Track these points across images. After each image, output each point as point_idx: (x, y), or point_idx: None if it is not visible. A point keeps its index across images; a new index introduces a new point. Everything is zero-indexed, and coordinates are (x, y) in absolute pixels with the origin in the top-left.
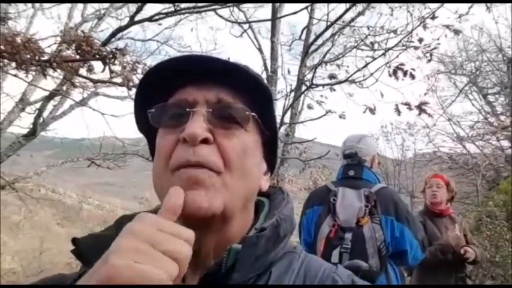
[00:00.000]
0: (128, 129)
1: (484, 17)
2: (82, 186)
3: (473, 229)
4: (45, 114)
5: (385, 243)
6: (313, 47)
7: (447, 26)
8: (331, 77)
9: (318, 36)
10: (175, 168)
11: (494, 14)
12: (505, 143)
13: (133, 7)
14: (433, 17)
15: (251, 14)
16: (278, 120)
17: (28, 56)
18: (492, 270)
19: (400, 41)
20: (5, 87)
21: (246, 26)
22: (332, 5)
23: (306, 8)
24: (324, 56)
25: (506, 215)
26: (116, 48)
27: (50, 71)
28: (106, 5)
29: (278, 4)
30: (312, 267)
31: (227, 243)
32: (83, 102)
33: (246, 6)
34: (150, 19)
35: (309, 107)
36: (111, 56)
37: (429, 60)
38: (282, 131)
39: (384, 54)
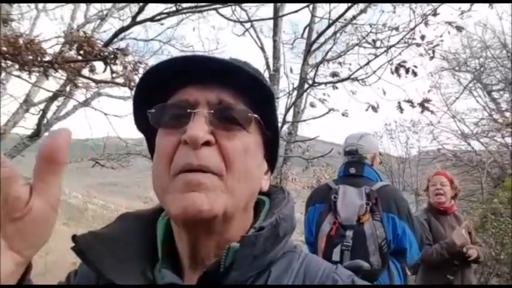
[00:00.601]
0: (131, 129)
1: (488, 13)
2: (87, 187)
3: (478, 227)
4: (49, 115)
5: (387, 241)
6: (315, 45)
7: (450, 23)
8: (334, 75)
9: (320, 35)
10: (177, 171)
11: (498, 10)
12: (510, 140)
13: (135, 7)
14: (435, 14)
15: (253, 13)
16: (280, 118)
17: (30, 57)
18: (497, 268)
19: (402, 38)
20: (10, 89)
21: (248, 25)
22: (334, 3)
23: (308, 6)
24: (326, 54)
25: None
26: (117, 48)
27: (52, 72)
28: (108, 5)
29: (280, 3)
30: (311, 267)
31: (227, 243)
32: (86, 103)
33: (247, 5)
34: (152, 19)
35: (312, 105)
36: (112, 56)
37: (432, 58)
38: (284, 129)
39: (386, 51)
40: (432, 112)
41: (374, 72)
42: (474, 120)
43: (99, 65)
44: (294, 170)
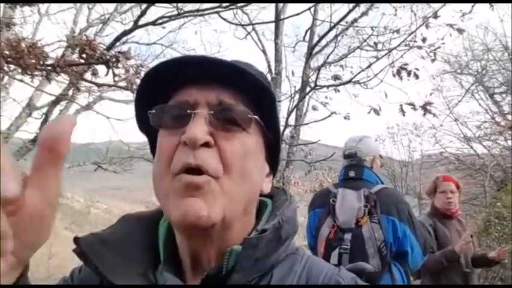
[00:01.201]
0: (133, 133)
1: (489, 15)
2: (90, 191)
3: (481, 231)
4: (52, 119)
5: (386, 243)
6: (316, 48)
7: (451, 25)
8: (335, 78)
9: (321, 38)
10: (176, 171)
11: (500, 12)
12: None
13: (137, 11)
14: (436, 16)
15: (255, 16)
16: (283, 122)
17: (32, 61)
18: (501, 272)
19: (403, 41)
20: (12, 93)
21: (249, 28)
22: (335, 6)
23: (309, 9)
24: (328, 57)
25: None
26: (119, 52)
27: (55, 76)
28: (111, 9)
29: (281, 6)
30: (314, 270)
31: (228, 247)
32: (88, 107)
33: (249, 8)
34: (154, 23)
35: (314, 108)
36: (114, 59)
37: (433, 60)
38: (286, 133)
39: (387, 54)
40: (434, 115)
41: (376, 75)
42: (476, 123)
43: (101, 69)
44: (296, 174)
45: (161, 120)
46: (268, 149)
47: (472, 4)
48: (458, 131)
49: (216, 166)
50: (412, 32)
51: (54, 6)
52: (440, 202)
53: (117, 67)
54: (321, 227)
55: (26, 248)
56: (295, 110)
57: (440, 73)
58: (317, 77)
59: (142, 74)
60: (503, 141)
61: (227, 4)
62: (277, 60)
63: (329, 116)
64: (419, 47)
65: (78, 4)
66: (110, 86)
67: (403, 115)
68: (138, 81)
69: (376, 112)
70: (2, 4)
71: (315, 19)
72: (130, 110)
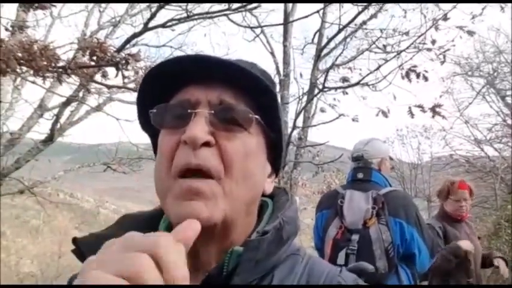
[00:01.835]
0: (142, 134)
1: (501, 17)
2: (99, 191)
3: (491, 234)
4: (63, 120)
5: (393, 245)
6: (325, 51)
7: (461, 27)
8: (344, 80)
9: (330, 40)
10: (177, 172)
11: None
12: None
13: (147, 14)
14: (445, 18)
15: (263, 19)
16: (291, 124)
17: (44, 63)
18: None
19: (412, 43)
20: (24, 94)
21: (258, 31)
22: (344, 8)
23: (318, 11)
24: (336, 59)
25: None
26: (129, 54)
27: (66, 77)
28: (121, 12)
29: (290, 8)
30: (315, 270)
31: (229, 247)
32: (98, 108)
33: (258, 11)
34: (163, 25)
35: (322, 110)
36: (124, 61)
37: (443, 62)
38: (294, 134)
39: (396, 56)
40: (444, 117)
41: (384, 77)
42: (488, 126)
43: (111, 71)
44: (304, 176)
45: (162, 119)
46: (270, 149)
47: (483, 7)
48: (469, 133)
49: (217, 166)
50: (422, 34)
51: (66, 9)
52: (452, 208)
53: (127, 69)
54: (328, 227)
55: None
56: (303, 111)
57: (450, 75)
58: (325, 79)
59: None
60: None
61: (236, 7)
62: (286, 62)
63: (337, 118)
64: (429, 49)
65: (89, 7)
66: (119, 87)
67: (412, 117)
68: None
69: (385, 114)
70: (16, 7)
71: (323, 21)
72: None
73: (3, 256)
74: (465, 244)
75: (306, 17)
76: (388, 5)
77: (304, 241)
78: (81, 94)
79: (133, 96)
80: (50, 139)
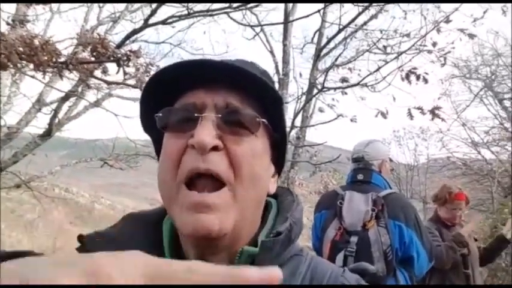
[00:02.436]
0: (140, 130)
1: (501, 20)
2: (95, 187)
3: (488, 237)
4: (61, 115)
5: (392, 248)
6: (325, 51)
7: (462, 30)
8: (343, 80)
9: (330, 40)
10: (184, 176)
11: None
12: None
13: (147, 10)
14: (447, 21)
15: (263, 17)
16: (289, 123)
17: (45, 58)
18: (508, 279)
19: (413, 45)
20: (22, 88)
21: (258, 29)
22: (345, 8)
23: (318, 11)
24: (336, 60)
25: None
26: (130, 51)
27: (66, 73)
28: (121, 8)
29: (290, 7)
30: (318, 271)
31: (236, 249)
32: (97, 104)
33: (258, 9)
34: (163, 22)
35: (320, 110)
36: (125, 58)
37: (443, 65)
38: (292, 134)
39: (396, 58)
40: (442, 119)
41: (384, 78)
42: (485, 129)
43: (111, 67)
44: (301, 175)
45: (168, 122)
46: (273, 149)
47: (485, 10)
48: (466, 135)
49: (226, 170)
50: (423, 37)
51: (66, 4)
52: (448, 216)
53: (128, 65)
54: (327, 228)
55: None
56: (301, 111)
57: (449, 77)
58: (324, 79)
59: (152, 72)
60: (511, 147)
61: (237, 5)
62: (285, 61)
63: (335, 118)
64: (429, 51)
65: (89, 2)
66: (119, 83)
67: (411, 119)
68: (147, 79)
69: (384, 115)
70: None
71: (323, 21)
72: (138, 108)
73: None
74: (465, 229)
75: (307, 16)
76: (389, 6)
77: (300, 241)
78: (80, 89)
79: (132, 93)
80: (48, 134)
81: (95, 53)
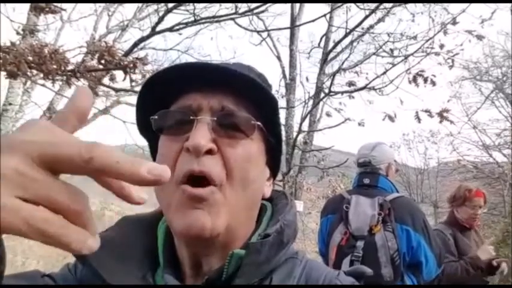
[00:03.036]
0: None
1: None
2: (105, 193)
3: (499, 241)
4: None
5: (399, 252)
6: (331, 55)
7: (470, 32)
8: (350, 84)
9: (336, 44)
10: (179, 179)
11: None
12: None
13: (155, 18)
14: (454, 23)
15: (270, 23)
16: (296, 128)
17: (54, 66)
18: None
19: (420, 47)
20: (34, 97)
21: (265, 35)
22: (351, 12)
23: (325, 15)
24: (343, 63)
25: None
26: (137, 58)
27: (75, 81)
28: (129, 16)
29: (297, 12)
30: (313, 274)
31: (230, 250)
32: (105, 111)
33: (265, 15)
34: (170, 29)
35: (328, 114)
36: (131, 65)
37: (451, 67)
38: (300, 138)
39: (404, 60)
40: (452, 122)
41: (391, 81)
42: (496, 131)
43: (119, 74)
44: (309, 180)
45: (163, 125)
46: (269, 152)
47: (492, 10)
48: (477, 138)
49: (220, 173)
50: (430, 39)
51: (76, 13)
52: (466, 215)
53: (134, 73)
54: (333, 233)
55: None
56: (308, 115)
57: (459, 79)
58: (331, 83)
59: None
60: None
61: (243, 10)
62: (292, 66)
63: (343, 122)
64: (437, 54)
65: (98, 11)
66: (126, 90)
67: (419, 122)
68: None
69: (391, 119)
70: (27, 11)
71: (330, 25)
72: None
73: (10, 256)
74: (484, 255)
75: (313, 21)
76: (396, 9)
77: (308, 246)
78: None
79: None
80: None
81: (102, 61)
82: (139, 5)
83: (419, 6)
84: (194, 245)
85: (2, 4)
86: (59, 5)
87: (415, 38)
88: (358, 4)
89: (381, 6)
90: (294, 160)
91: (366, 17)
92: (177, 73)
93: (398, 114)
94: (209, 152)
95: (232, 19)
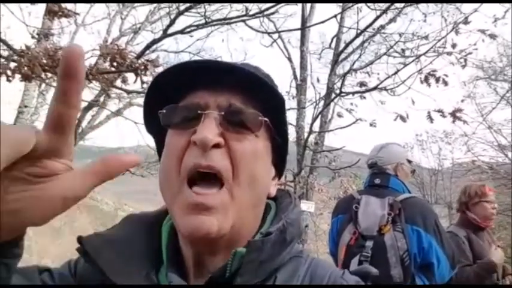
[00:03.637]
0: None
1: None
2: (118, 194)
3: None
4: (84, 124)
5: (409, 253)
6: (342, 55)
7: (482, 31)
8: (361, 84)
9: (347, 44)
10: (186, 173)
11: None
12: None
13: (166, 20)
14: (466, 22)
15: (281, 24)
16: (307, 128)
17: None
18: None
19: (432, 47)
20: (49, 99)
21: (275, 36)
22: (362, 13)
23: (335, 16)
24: (354, 64)
25: None
26: (148, 60)
27: (87, 83)
28: (142, 19)
29: (307, 13)
30: (317, 273)
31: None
32: (118, 112)
33: (275, 16)
34: (182, 31)
35: (339, 115)
36: (142, 67)
37: (464, 66)
38: (311, 139)
39: (415, 60)
40: (465, 122)
41: (403, 81)
42: None
43: (131, 76)
44: (320, 181)
45: (171, 119)
46: (275, 152)
47: (506, 9)
48: (492, 138)
49: (227, 166)
50: (442, 38)
51: (90, 17)
52: (485, 212)
53: (146, 75)
54: (343, 233)
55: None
56: (319, 116)
57: (473, 79)
58: (342, 84)
59: None
60: None
61: (254, 12)
62: (303, 67)
63: (354, 122)
64: (449, 53)
65: (112, 14)
66: (138, 92)
67: (431, 122)
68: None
69: (403, 119)
70: (41, 15)
71: (341, 26)
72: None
73: (25, 256)
74: (497, 258)
75: (324, 22)
76: (408, 9)
77: (320, 247)
78: (102, 99)
79: None
80: None
81: (114, 63)
82: (152, 8)
83: (432, 6)
84: (199, 244)
85: (18, 9)
86: (72, 9)
87: (426, 37)
88: (369, 4)
89: (392, 7)
90: (305, 161)
91: (377, 17)
92: (186, 71)
93: (410, 114)
94: (216, 146)
95: (243, 21)
